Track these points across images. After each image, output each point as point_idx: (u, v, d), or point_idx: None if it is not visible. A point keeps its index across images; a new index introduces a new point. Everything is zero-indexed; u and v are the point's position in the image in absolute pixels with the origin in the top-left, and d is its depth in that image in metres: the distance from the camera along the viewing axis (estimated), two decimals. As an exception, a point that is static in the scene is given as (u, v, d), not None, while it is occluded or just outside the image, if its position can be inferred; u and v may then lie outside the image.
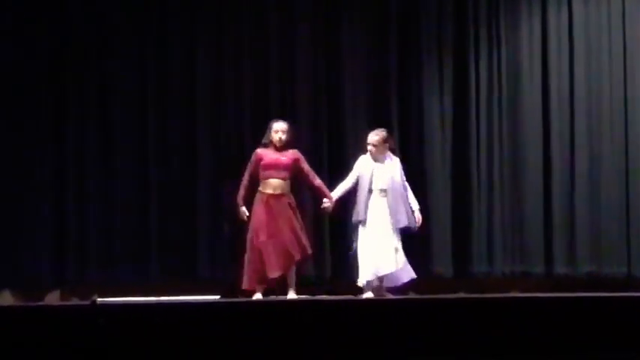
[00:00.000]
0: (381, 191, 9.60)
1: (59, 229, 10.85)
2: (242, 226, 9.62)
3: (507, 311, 8.18)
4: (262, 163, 9.56)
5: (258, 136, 10.19)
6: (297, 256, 9.48)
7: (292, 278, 9.56)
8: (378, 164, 9.64)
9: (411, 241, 10.29)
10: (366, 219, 9.53)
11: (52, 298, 10.68)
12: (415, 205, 9.73)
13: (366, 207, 9.54)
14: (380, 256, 9.47)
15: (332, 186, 9.87)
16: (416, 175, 10.76)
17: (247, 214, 9.56)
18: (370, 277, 9.51)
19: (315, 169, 10.11)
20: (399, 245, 9.57)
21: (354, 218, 9.61)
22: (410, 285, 9.87)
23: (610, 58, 11.04)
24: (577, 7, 11.10)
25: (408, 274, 9.67)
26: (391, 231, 9.53)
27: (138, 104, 11.00)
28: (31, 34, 10.92)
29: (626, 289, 10.27)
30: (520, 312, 8.14)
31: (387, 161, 9.70)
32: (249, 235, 9.52)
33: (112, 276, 10.74)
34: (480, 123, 11.08)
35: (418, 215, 9.71)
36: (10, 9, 10.93)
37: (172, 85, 11.05)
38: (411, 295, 10.40)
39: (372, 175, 9.60)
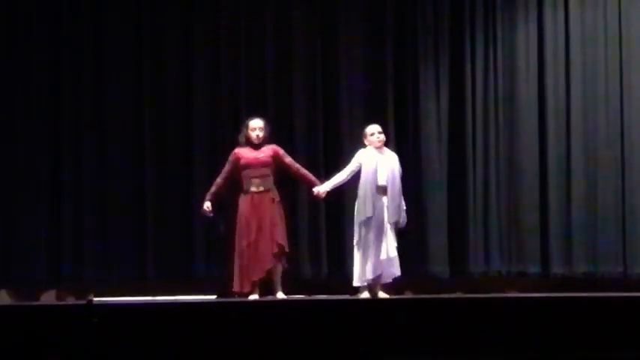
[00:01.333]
0: (380, 187, 9.57)
1: (55, 228, 10.84)
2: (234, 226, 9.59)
3: (504, 311, 8.18)
4: (241, 162, 9.57)
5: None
6: (277, 253, 9.46)
7: (278, 277, 9.53)
8: (381, 157, 9.61)
9: (408, 241, 10.32)
10: (372, 216, 9.49)
11: (48, 298, 10.68)
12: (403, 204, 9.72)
13: (373, 203, 9.50)
14: (382, 256, 9.45)
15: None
16: (412, 175, 10.77)
17: (211, 209, 9.58)
18: (371, 277, 9.47)
19: (311, 169, 10.11)
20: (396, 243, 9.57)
21: (362, 215, 9.53)
22: (393, 283, 9.83)
23: (606, 60, 11.04)
24: (573, 8, 11.10)
25: (396, 271, 9.65)
26: (390, 229, 9.51)
27: (134, 103, 10.99)
28: (28, 34, 10.93)
29: (623, 289, 10.27)
30: (516, 312, 8.14)
31: (387, 154, 9.68)
32: (237, 238, 9.51)
33: (108, 275, 10.75)
34: (476, 123, 11.07)
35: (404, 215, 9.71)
36: (6, 8, 10.93)
37: (168, 85, 11.05)
38: (408, 295, 10.41)
39: (376, 170, 9.55)
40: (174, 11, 11.09)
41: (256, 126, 9.67)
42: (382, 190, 9.54)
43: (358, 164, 9.61)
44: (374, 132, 9.66)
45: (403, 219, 9.61)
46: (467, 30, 11.14)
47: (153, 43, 11.04)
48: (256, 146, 9.63)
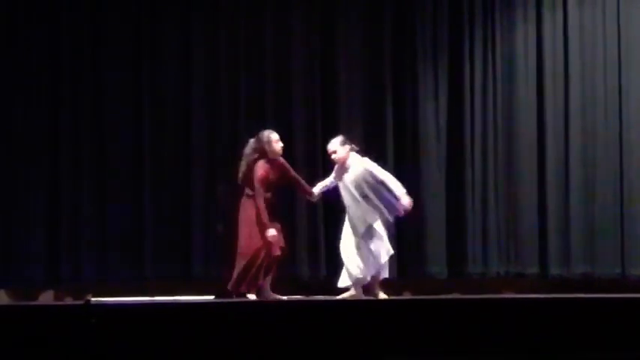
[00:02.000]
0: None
1: (53, 228, 10.85)
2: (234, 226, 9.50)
3: (502, 312, 8.18)
4: (269, 179, 9.32)
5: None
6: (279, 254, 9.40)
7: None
8: (343, 175, 9.57)
9: (406, 241, 10.34)
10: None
11: (46, 298, 10.68)
12: (399, 190, 9.48)
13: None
14: (382, 259, 9.47)
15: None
16: (411, 176, 10.79)
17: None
18: (372, 275, 9.49)
19: (310, 171, 10.13)
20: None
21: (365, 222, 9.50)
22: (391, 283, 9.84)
23: (605, 60, 11.06)
24: (572, 9, 11.12)
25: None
26: (384, 228, 9.52)
27: (133, 102, 11.01)
28: (28, 29, 10.94)
29: (621, 290, 10.28)
30: (514, 313, 8.13)
31: (350, 168, 9.58)
32: (248, 240, 9.31)
33: (107, 276, 10.75)
34: (474, 123, 11.10)
35: (406, 200, 9.45)
36: (6, 6, 10.95)
37: (167, 84, 11.06)
38: (406, 296, 10.42)
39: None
40: (174, 11, 11.10)
41: (278, 137, 9.40)
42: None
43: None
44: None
45: (391, 212, 9.55)
46: (466, 30, 11.16)
47: (152, 44, 11.06)
48: (272, 160, 9.39)
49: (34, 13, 10.96)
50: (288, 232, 9.88)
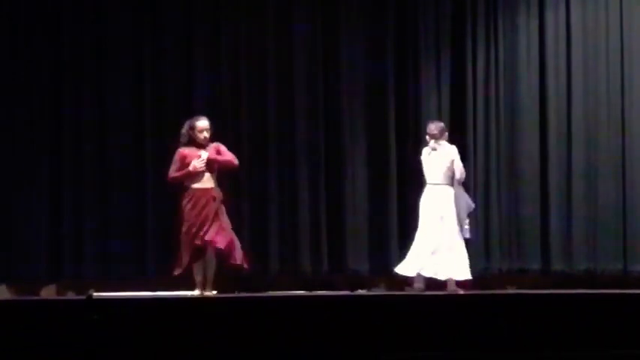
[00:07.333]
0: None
1: (55, 223, 10.87)
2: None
3: (504, 308, 8.18)
4: (187, 161, 9.39)
5: (256, 135, 10.21)
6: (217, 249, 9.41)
7: (212, 274, 9.51)
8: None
9: (409, 237, 10.34)
10: None
11: (48, 293, 10.69)
12: None
13: None
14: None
15: (329, 182, 9.83)
16: (413, 172, 10.79)
17: None
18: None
19: (313, 162, 10.14)
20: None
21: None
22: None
23: (607, 58, 11.04)
24: (575, 7, 11.10)
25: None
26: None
27: (135, 101, 11.04)
28: (29, 27, 10.96)
29: (623, 286, 10.28)
30: (517, 309, 8.14)
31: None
32: (186, 235, 9.43)
33: (109, 271, 10.76)
34: (477, 121, 11.09)
35: None
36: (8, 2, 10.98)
37: (169, 83, 11.08)
38: (408, 291, 10.42)
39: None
40: (176, 13, 11.11)
41: (204, 127, 9.44)
42: None
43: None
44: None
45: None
46: (468, 28, 11.14)
47: (153, 44, 11.09)
48: (201, 146, 9.45)
49: (35, 15, 10.99)
50: (290, 227, 9.87)
